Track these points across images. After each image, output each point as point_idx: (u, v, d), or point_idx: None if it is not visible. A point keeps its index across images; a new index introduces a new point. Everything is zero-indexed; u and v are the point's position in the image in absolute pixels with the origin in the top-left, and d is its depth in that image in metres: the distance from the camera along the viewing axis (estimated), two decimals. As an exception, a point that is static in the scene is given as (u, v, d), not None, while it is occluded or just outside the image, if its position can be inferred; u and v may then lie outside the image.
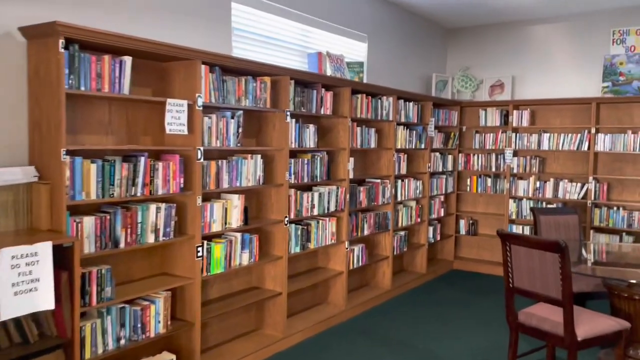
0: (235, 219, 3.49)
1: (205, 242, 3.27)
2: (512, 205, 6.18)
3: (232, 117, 3.43)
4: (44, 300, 2.30)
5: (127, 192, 2.80)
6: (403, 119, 5.32)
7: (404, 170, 5.38)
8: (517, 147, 6.17)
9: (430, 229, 6.00)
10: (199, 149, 3.15)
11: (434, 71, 6.66)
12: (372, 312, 4.79)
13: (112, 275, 2.73)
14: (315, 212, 4.19)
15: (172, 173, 3.05)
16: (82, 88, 2.59)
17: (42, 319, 2.43)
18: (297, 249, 4.05)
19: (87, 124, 2.87)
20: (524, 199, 6.12)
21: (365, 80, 5.26)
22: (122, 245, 2.80)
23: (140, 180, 2.86)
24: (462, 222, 6.57)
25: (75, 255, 2.42)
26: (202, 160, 3.18)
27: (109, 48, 2.75)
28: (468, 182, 6.54)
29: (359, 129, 4.68)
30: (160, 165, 2.97)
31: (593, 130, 5.66)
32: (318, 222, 4.24)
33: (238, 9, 3.93)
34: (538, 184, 6.02)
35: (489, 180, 6.37)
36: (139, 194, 2.86)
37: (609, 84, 5.77)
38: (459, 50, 6.88)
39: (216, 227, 3.35)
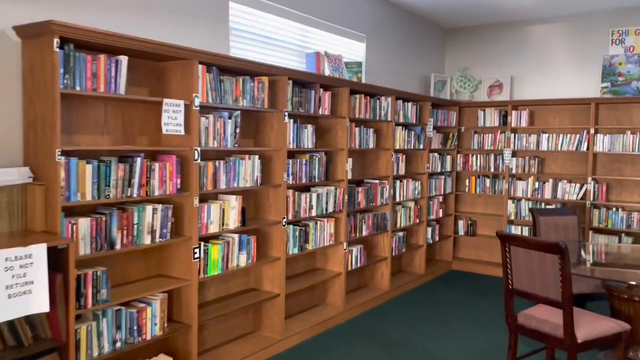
0: (233, 220, 3.46)
1: (202, 243, 3.24)
2: (510, 206, 6.17)
3: (230, 118, 3.40)
4: (39, 302, 2.27)
5: (123, 193, 2.77)
6: (402, 120, 5.30)
7: (402, 171, 5.36)
8: (515, 148, 6.15)
9: (429, 229, 5.99)
10: (196, 149, 3.12)
11: (432, 71, 6.64)
12: (371, 313, 4.77)
13: (107, 277, 2.70)
14: (314, 213, 4.17)
15: (169, 174, 3.02)
16: (78, 88, 2.56)
17: (37, 322, 2.40)
18: (295, 250, 4.03)
19: (83, 124, 2.84)
20: (523, 200, 6.10)
21: (363, 81, 5.24)
22: (118, 246, 2.77)
23: (136, 181, 2.83)
24: (461, 223, 6.55)
25: (70, 257, 2.40)
26: (199, 160, 3.15)
27: (105, 47, 2.72)
28: (467, 183, 6.52)
29: (357, 129, 4.65)
30: (156, 165, 2.94)
31: (592, 131, 5.65)
32: (316, 223, 4.21)
33: (236, 9, 3.90)
34: (537, 184, 6.00)
35: (488, 181, 6.35)
36: (135, 195, 2.83)
37: (608, 85, 5.76)
38: (458, 50, 6.86)
39: (213, 228, 3.33)
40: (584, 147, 5.70)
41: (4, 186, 2.47)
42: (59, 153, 2.49)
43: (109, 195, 2.71)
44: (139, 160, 2.83)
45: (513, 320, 3.19)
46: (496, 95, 6.51)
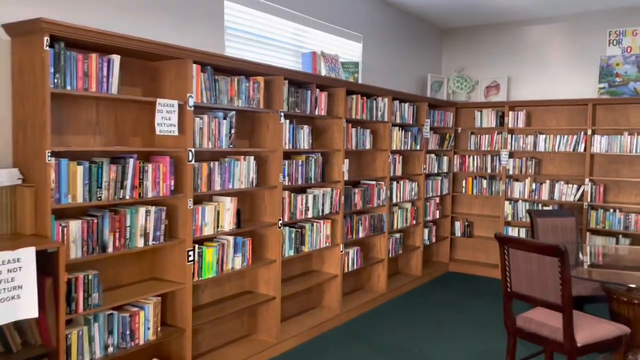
0: (228, 222, 3.41)
1: (196, 246, 3.19)
2: (507, 207, 6.14)
3: (225, 118, 3.35)
4: (27, 308, 2.22)
5: (115, 195, 2.72)
6: (398, 120, 5.26)
7: (399, 172, 5.33)
8: (512, 149, 6.12)
9: (426, 231, 5.95)
10: (190, 150, 3.07)
11: (429, 72, 6.60)
12: (368, 315, 4.73)
13: (99, 281, 2.64)
14: (310, 215, 4.12)
15: (162, 175, 2.96)
16: (68, 87, 2.51)
17: (26, 328, 2.35)
18: (291, 252, 3.98)
19: (74, 124, 2.78)
20: (520, 201, 6.07)
21: (360, 81, 5.19)
22: (110, 249, 2.72)
23: (129, 182, 2.77)
24: (458, 224, 6.52)
25: (60, 261, 2.34)
26: (193, 161, 3.10)
27: (96, 46, 2.67)
28: (463, 184, 6.49)
29: (353, 130, 4.61)
30: (149, 167, 2.89)
31: (589, 132, 5.63)
32: (312, 225, 4.17)
33: (231, 8, 3.85)
34: (534, 185, 5.98)
35: (485, 182, 6.32)
36: (127, 197, 2.77)
37: (605, 85, 5.74)
38: (455, 50, 6.83)
39: (208, 231, 3.27)
40: (581, 148, 5.68)
41: (-7, 188, 2.41)
42: (49, 154, 2.43)
43: (100, 197, 2.65)
44: (131, 161, 2.78)
45: (512, 323, 3.16)
46: (493, 95, 6.48)
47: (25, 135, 2.51)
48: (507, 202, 6.14)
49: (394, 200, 5.25)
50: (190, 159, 3.07)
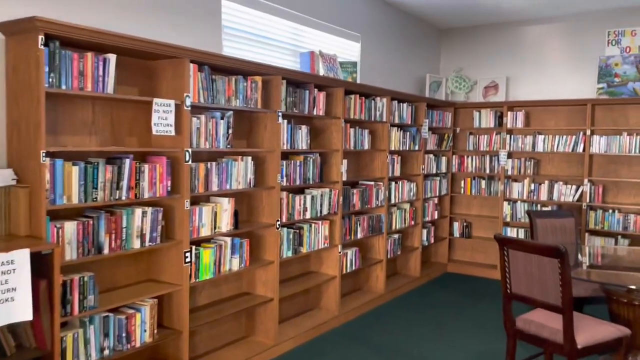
0: (225, 223, 3.38)
1: (193, 247, 3.16)
2: (506, 208, 6.12)
3: (222, 118, 3.32)
4: (22, 310, 2.19)
5: (111, 196, 2.69)
6: (397, 120, 5.24)
7: (397, 172, 5.30)
8: (511, 149, 6.10)
9: (424, 231, 5.93)
10: (187, 150, 3.04)
11: (427, 72, 6.58)
12: (366, 317, 4.70)
13: (95, 283, 2.61)
14: (308, 216, 4.09)
15: (159, 175, 2.93)
16: (63, 87, 2.48)
17: (20, 330, 2.31)
18: (289, 254, 3.95)
19: (69, 124, 2.75)
20: (519, 201, 6.05)
21: (358, 81, 5.17)
22: (106, 251, 2.68)
23: (125, 183, 2.74)
24: (456, 225, 6.50)
25: (55, 263, 2.31)
26: (190, 162, 3.07)
27: (92, 45, 2.63)
28: (462, 184, 6.47)
29: (352, 130, 4.59)
30: (146, 167, 2.85)
31: (588, 132, 5.61)
32: (310, 226, 4.14)
33: (228, 7, 3.82)
34: (533, 186, 5.96)
35: (483, 182, 6.31)
36: (123, 198, 2.74)
37: (604, 85, 5.72)
38: (453, 50, 6.81)
39: (205, 232, 3.24)
40: (580, 149, 5.67)
41: (-14, 189, 2.38)
42: (44, 154, 2.40)
43: (96, 198, 2.62)
44: (127, 161, 2.75)
45: (511, 324, 3.13)
46: (492, 96, 6.46)
47: (20, 135, 2.48)
48: (505, 203, 6.12)
49: (393, 201, 5.23)
50: (187, 159, 3.04)
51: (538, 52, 6.20)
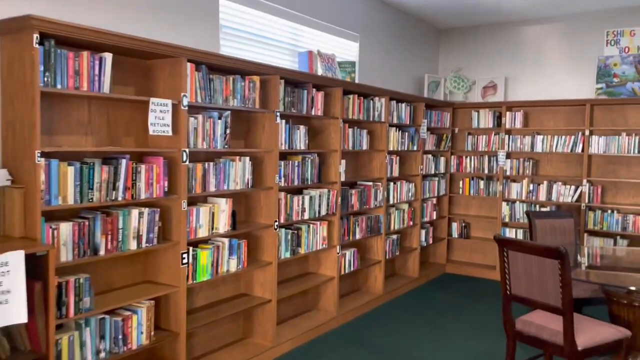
0: (223, 223, 3.35)
1: (190, 248, 3.13)
2: (505, 208, 6.10)
3: (219, 118, 3.29)
4: (16, 313, 2.15)
5: (107, 197, 2.66)
6: (395, 120, 5.21)
7: (396, 173, 5.28)
8: (510, 149, 6.09)
9: (423, 232, 5.91)
10: (184, 150, 3.01)
11: (426, 72, 6.56)
12: (364, 318, 4.68)
13: (91, 285, 2.58)
14: (306, 216, 4.07)
15: (156, 176, 2.90)
16: (59, 86, 2.45)
17: (15, 333, 2.28)
18: (287, 254, 3.93)
19: (65, 124, 2.72)
20: (517, 202, 6.04)
21: (357, 81, 5.15)
22: (102, 252, 2.65)
23: (121, 183, 2.71)
24: (455, 225, 6.48)
25: (50, 264, 2.27)
26: (187, 162, 3.04)
27: (88, 44, 2.60)
28: (460, 185, 6.45)
29: (350, 130, 4.56)
30: (142, 167, 2.83)
31: (587, 132, 5.60)
32: (309, 227, 4.11)
33: (226, 6, 3.80)
34: (531, 186, 5.94)
35: (482, 183, 6.29)
36: (120, 199, 2.71)
37: (603, 86, 5.71)
38: (452, 50, 6.79)
39: (202, 233, 3.22)
40: (578, 149, 5.65)
41: (-20, 189, 2.35)
42: (39, 154, 2.37)
43: (92, 198, 2.59)
44: (124, 162, 2.72)
45: (511, 326, 3.11)
46: (490, 96, 6.45)
47: (15, 135, 2.45)
48: (504, 203, 6.10)
49: (391, 201, 5.21)
50: (184, 159, 3.01)
51: (537, 52, 6.18)
